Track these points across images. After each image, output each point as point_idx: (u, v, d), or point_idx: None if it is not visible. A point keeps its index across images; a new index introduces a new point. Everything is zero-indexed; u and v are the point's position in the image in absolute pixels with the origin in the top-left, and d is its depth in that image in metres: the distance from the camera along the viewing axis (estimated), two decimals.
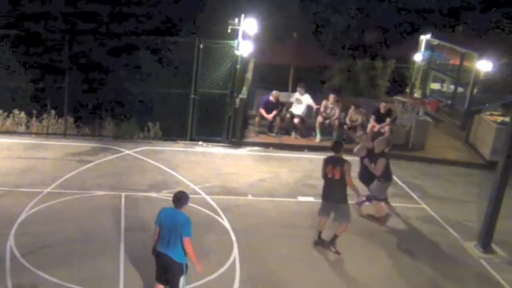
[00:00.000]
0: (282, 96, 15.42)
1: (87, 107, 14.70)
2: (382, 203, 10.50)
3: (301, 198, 11.09)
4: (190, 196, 10.55)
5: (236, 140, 14.20)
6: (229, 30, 13.49)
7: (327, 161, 9.19)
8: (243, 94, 14.46)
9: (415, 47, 19.39)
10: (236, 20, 13.48)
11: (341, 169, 8.95)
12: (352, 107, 14.76)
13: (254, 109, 15.57)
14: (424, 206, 11.60)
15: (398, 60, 20.27)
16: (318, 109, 14.86)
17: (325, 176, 9.18)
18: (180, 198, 7.05)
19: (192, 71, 13.80)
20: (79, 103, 14.52)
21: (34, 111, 13.99)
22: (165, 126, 14.26)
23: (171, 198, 10.38)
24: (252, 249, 9.08)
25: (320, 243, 9.31)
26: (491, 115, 15.18)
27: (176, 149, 13.60)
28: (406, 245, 9.75)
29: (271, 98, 14.74)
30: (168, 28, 19.61)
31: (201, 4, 20.95)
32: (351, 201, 9.48)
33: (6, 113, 13.91)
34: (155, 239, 7.01)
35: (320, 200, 10.99)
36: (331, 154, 9.27)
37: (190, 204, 10.29)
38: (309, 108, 15.07)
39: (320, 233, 9.33)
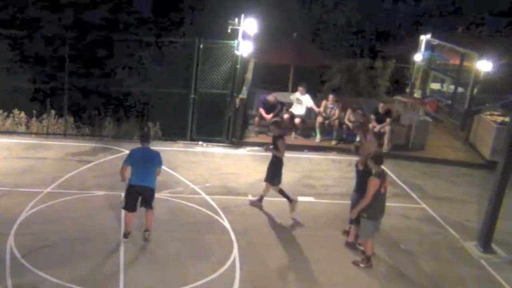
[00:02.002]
0: (282, 96, 15.42)
1: (87, 107, 14.73)
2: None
3: (301, 198, 11.06)
4: (190, 196, 10.73)
5: (236, 140, 14.20)
6: (229, 30, 13.49)
7: (382, 177, 8.48)
8: (243, 94, 14.44)
9: (415, 47, 19.39)
10: (236, 20, 13.47)
11: (386, 182, 8.69)
12: (349, 109, 14.73)
13: (254, 109, 15.57)
14: (424, 206, 11.60)
15: (398, 60, 20.27)
16: (319, 111, 14.84)
17: (379, 192, 8.43)
18: (148, 135, 8.81)
19: (192, 71, 13.80)
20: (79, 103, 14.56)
21: (34, 111, 13.99)
22: (165, 126, 14.25)
23: (171, 198, 10.62)
24: (252, 249, 9.08)
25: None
26: (491, 115, 15.17)
27: (176, 149, 13.59)
28: (406, 245, 9.75)
29: (268, 97, 14.73)
30: (168, 28, 19.65)
31: (201, 4, 20.99)
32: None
33: (6, 113, 13.91)
34: (122, 175, 8.69)
35: (318, 201, 11.11)
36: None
37: (190, 204, 10.47)
38: (309, 109, 15.06)
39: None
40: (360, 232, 8.94)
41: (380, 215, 8.70)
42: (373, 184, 8.34)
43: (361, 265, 8.81)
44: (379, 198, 8.48)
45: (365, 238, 8.83)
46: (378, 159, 8.53)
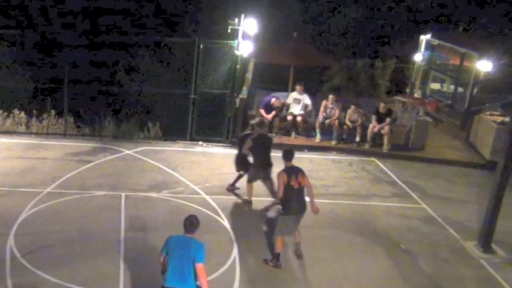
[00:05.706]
0: (282, 96, 15.40)
1: (87, 107, 14.73)
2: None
3: None
4: (190, 196, 10.73)
5: (236, 140, 14.18)
6: (229, 30, 13.50)
7: (291, 172, 8.65)
8: (243, 94, 14.45)
9: (415, 47, 19.39)
10: (236, 20, 13.47)
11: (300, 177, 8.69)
12: (352, 107, 14.76)
13: (254, 109, 15.57)
14: (424, 206, 11.60)
15: (398, 60, 20.27)
16: (316, 110, 14.82)
17: (291, 187, 8.55)
18: (194, 223, 6.44)
19: (192, 71, 13.80)
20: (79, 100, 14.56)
21: (34, 111, 13.99)
22: (165, 126, 14.26)
23: (171, 198, 10.63)
24: (252, 249, 9.08)
25: None
26: (491, 115, 15.16)
27: (176, 149, 13.59)
28: (406, 245, 9.75)
29: (272, 101, 14.71)
30: (169, 27, 19.65)
31: (201, 4, 21.00)
32: None
33: (6, 113, 13.91)
34: (162, 270, 6.46)
35: (318, 201, 10.98)
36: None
37: (190, 204, 10.47)
38: (306, 107, 15.05)
39: None
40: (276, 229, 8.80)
41: (293, 211, 8.53)
42: (280, 178, 8.44)
43: (270, 263, 8.68)
44: (291, 193, 8.42)
45: (276, 234, 8.73)
46: (287, 154, 8.69)
